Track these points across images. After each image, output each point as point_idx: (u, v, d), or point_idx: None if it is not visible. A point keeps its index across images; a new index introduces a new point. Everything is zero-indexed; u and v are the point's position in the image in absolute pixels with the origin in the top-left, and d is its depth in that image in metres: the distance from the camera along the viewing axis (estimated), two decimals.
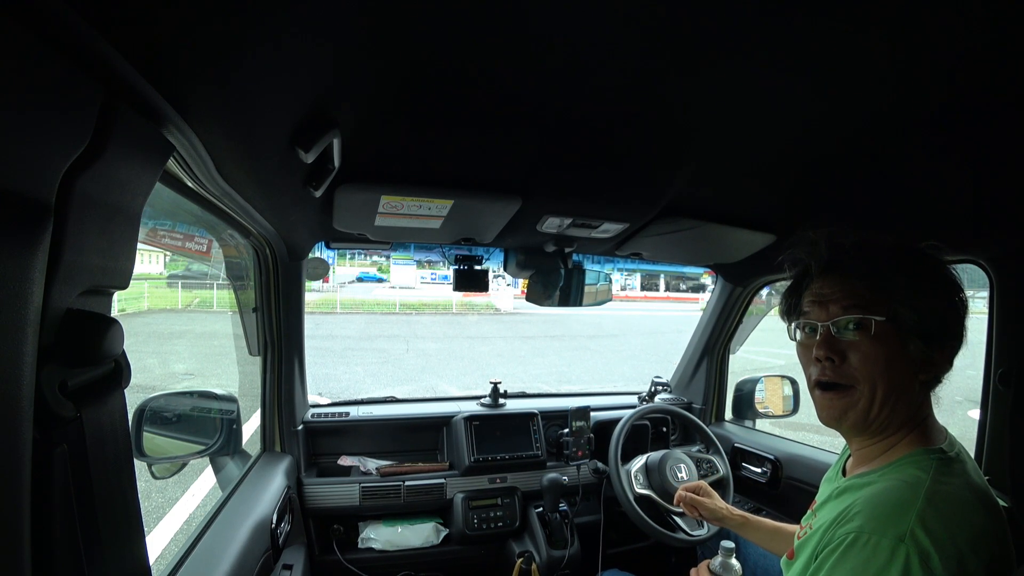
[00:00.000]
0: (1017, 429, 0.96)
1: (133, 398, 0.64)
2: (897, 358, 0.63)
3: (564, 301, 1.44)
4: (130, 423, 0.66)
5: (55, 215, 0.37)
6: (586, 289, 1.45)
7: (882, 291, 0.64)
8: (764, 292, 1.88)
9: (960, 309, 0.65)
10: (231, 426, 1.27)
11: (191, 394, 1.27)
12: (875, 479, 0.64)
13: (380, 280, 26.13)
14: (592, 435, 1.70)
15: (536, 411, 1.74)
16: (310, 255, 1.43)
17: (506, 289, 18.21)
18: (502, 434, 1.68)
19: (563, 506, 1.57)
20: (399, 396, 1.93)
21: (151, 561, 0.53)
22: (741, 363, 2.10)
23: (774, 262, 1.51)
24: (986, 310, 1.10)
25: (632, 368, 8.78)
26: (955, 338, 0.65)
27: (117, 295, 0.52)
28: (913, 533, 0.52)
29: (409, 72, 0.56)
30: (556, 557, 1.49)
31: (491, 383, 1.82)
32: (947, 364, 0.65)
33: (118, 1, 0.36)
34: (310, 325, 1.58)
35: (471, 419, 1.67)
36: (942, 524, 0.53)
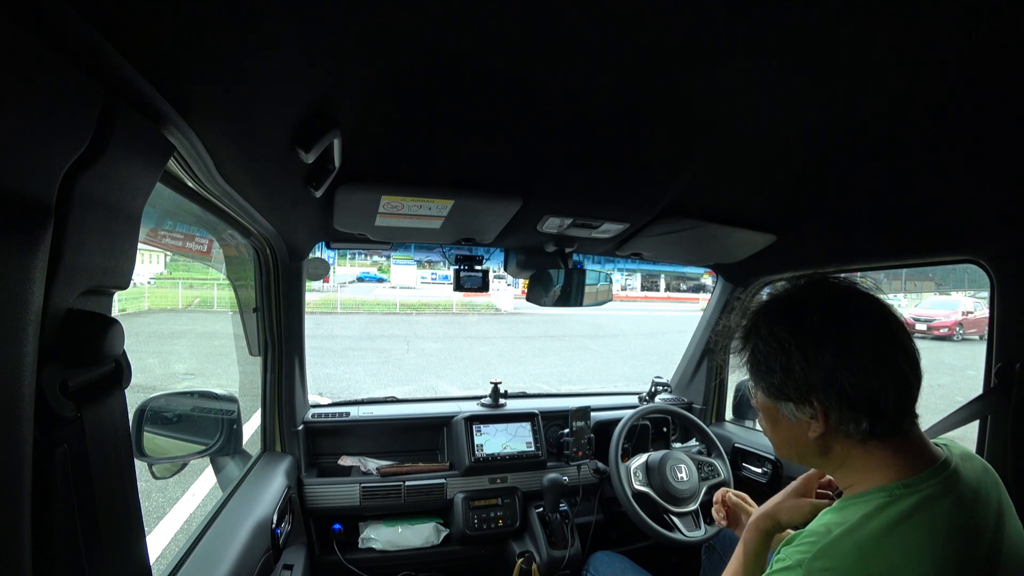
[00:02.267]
0: (1018, 427, 0.96)
1: (133, 398, 0.64)
2: (779, 421, 0.67)
3: (564, 301, 1.44)
4: (130, 423, 0.66)
5: (56, 215, 0.37)
6: (586, 289, 1.45)
7: (751, 363, 0.68)
8: (764, 292, 1.88)
9: (793, 371, 0.61)
10: (231, 426, 1.27)
11: (191, 394, 1.27)
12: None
13: (380, 280, 26.13)
14: (592, 435, 1.70)
15: (536, 411, 1.74)
16: (310, 255, 1.43)
17: (506, 289, 18.21)
18: (502, 434, 1.68)
19: (563, 506, 1.57)
20: (399, 396, 1.93)
21: (151, 561, 0.53)
22: None
23: (774, 262, 1.52)
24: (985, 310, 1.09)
25: (632, 368, 8.78)
26: (804, 400, 0.61)
27: (117, 295, 0.52)
28: (811, 562, 0.55)
29: (409, 72, 0.56)
30: (556, 557, 1.49)
31: (491, 383, 1.82)
32: (832, 418, 0.61)
33: (119, 2, 0.36)
34: (310, 325, 1.58)
35: (471, 419, 1.67)
36: (840, 561, 0.55)
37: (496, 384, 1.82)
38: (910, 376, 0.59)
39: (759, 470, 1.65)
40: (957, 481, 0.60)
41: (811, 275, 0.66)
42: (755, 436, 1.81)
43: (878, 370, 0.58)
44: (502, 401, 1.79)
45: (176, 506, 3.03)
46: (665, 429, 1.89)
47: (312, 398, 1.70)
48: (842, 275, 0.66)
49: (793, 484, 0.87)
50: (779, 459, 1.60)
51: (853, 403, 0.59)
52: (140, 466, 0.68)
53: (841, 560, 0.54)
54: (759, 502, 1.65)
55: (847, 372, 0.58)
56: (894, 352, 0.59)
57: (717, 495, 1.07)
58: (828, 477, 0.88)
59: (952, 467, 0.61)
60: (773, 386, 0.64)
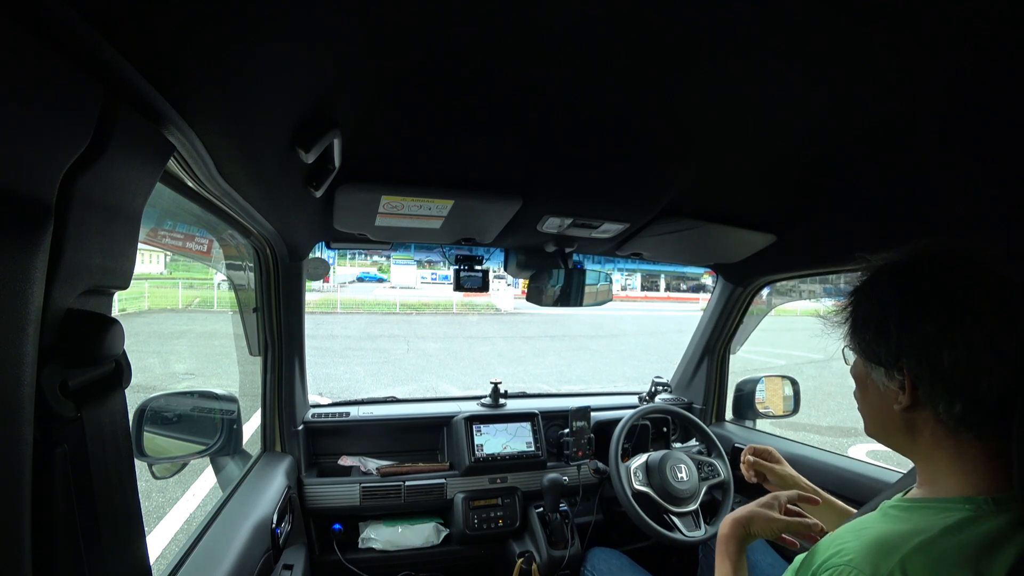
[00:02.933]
0: (1020, 427, 0.96)
1: (134, 398, 0.64)
2: (868, 388, 0.63)
3: (564, 301, 1.44)
4: (131, 423, 0.66)
5: (55, 215, 0.37)
6: (586, 289, 1.45)
7: (851, 319, 0.64)
8: (764, 292, 1.88)
9: (888, 332, 0.57)
10: (231, 426, 1.27)
11: (191, 394, 1.27)
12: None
13: (380, 280, 26.14)
14: (592, 435, 1.70)
15: (536, 411, 1.74)
16: (310, 255, 1.43)
17: (506, 289, 18.21)
18: (502, 434, 1.68)
19: (563, 506, 1.57)
20: (400, 396, 1.93)
21: (151, 561, 0.53)
22: (741, 363, 2.10)
23: (774, 262, 1.52)
24: None
25: (632, 368, 8.78)
26: (894, 365, 0.57)
27: (117, 295, 0.52)
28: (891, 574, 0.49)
29: (409, 72, 0.56)
30: (556, 557, 1.49)
31: (491, 383, 1.82)
32: (920, 392, 0.56)
33: (119, 2, 0.36)
34: (311, 325, 1.58)
35: (472, 419, 1.67)
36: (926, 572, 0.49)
37: (496, 384, 1.82)
38: None
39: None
40: None
41: (934, 243, 0.59)
42: (755, 436, 1.81)
43: (985, 351, 0.52)
44: (502, 401, 1.79)
45: (176, 506, 3.03)
46: (665, 429, 1.89)
47: (312, 398, 1.70)
48: (971, 248, 0.58)
49: (764, 498, 0.86)
50: None
51: (948, 380, 0.53)
52: (140, 466, 0.68)
53: (913, 570, 0.49)
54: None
55: (948, 345, 0.53)
56: (1009, 337, 0.52)
57: (743, 457, 1.06)
58: (800, 493, 0.87)
59: None
60: (865, 345, 0.61)
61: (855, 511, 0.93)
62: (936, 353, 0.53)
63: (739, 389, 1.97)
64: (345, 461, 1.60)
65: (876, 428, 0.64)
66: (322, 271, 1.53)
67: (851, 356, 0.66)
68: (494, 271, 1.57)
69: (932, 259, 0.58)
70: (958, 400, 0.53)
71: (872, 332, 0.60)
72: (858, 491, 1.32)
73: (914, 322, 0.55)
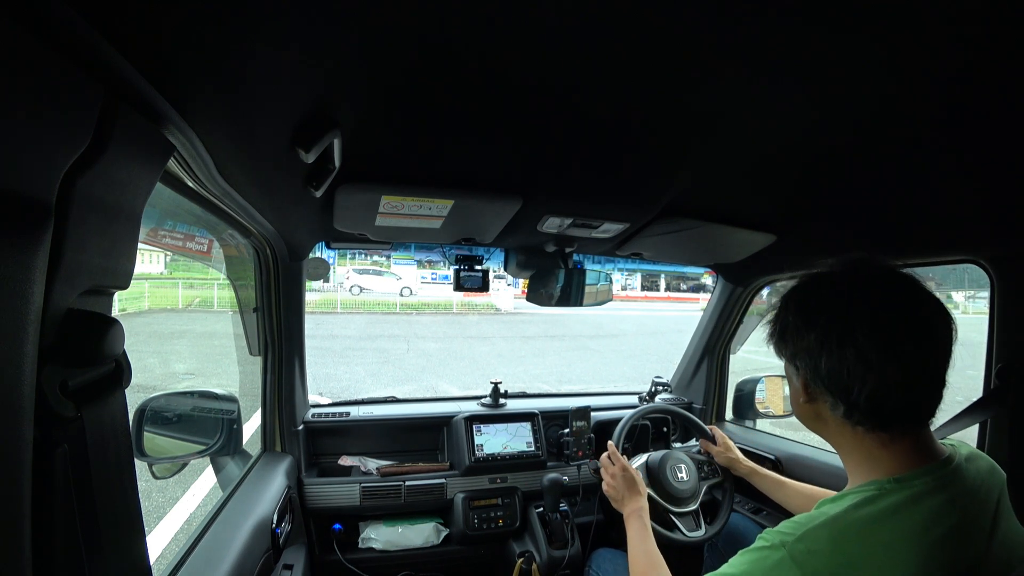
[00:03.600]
0: (1017, 428, 0.96)
1: (134, 398, 0.64)
2: (789, 378, 0.71)
3: (564, 301, 1.44)
4: (131, 423, 0.66)
5: (56, 215, 0.37)
6: (586, 289, 1.45)
7: (769, 327, 0.73)
8: (764, 292, 1.88)
9: (785, 336, 0.67)
10: (231, 426, 1.27)
11: (191, 394, 1.27)
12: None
13: None
14: (592, 435, 1.69)
15: (536, 411, 1.74)
16: (310, 255, 1.43)
17: (506, 289, 18.21)
18: (502, 434, 1.68)
19: (563, 506, 1.57)
20: (400, 396, 1.93)
21: (151, 561, 0.53)
22: (741, 363, 2.10)
23: (774, 262, 1.52)
24: (985, 310, 1.09)
25: (632, 368, 8.78)
26: (792, 364, 0.67)
27: (117, 295, 0.52)
28: (793, 544, 0.57)
29: (409, 72, 0.56)
30: (556, 557, 1.49)
31: (491, 383, 1.82)
32: (811, 390, 0.65)
33: (119, 2, 0.36)
34: (311, 325, 1.58)
35: (472, 419, 1.67)
36: (825, 543, 0.56)
37: (496, 384, 1.82)
38: (906, 379, 0.58)
39: (758, 466, 1.65)
40: (954, 480, 0.60)
41: (855, 256, 0.66)
42: (755, 436, 1.81)
43: (856, 363, 0.58)
44: (502, 401, 1.79)
45: (176, 506, 3.03)
46: (665, 429, 1.89)
47: (312, 398, 1.70)
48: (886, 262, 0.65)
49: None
50: (779, 458, 1.60)
51: (826, 383, 0.62)
52: (140, 466, 0.68)
53: (820, 544, 0.56)
54: (759, 501, 1.65)
55: (825, 354, 0.61)
56: (884, 354, 0.58)
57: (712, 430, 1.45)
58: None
59: (953, 466, 0.61)
60: (775, 346, 0.70)
61: (790, 481, 1.23)
62: (816, 360, 0.62)
63: (739, 389, 1.97)
64: (345, 461, 1.60)
65: (797, 415, 0.74)
66: (322, 271, 1.52)
67: None
68: (494, 271, 1.57)
69: (839, 271, 0.66)
70: (839, 401, 0.62)
71: (777, 335, 0.70)
72: None
73: (802, 332, 0.64)
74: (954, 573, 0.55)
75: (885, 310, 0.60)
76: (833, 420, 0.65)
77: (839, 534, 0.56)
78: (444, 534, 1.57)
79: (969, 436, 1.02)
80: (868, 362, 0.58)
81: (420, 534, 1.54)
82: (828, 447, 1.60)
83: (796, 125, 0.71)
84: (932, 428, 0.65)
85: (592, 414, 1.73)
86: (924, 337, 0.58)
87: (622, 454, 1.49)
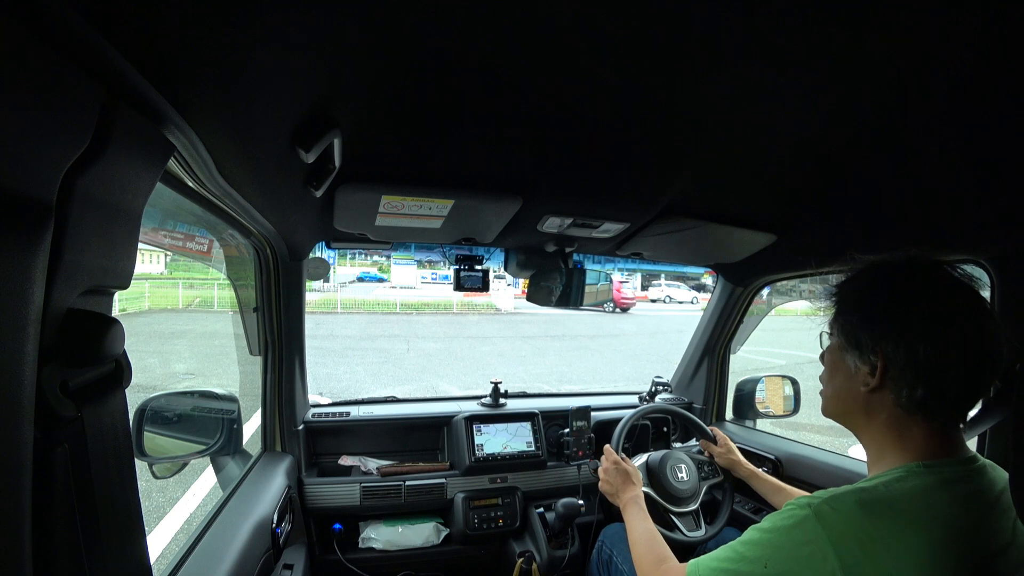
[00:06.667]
0: (1018, 428, 0.96)
1: (134, 398, 0.64)
2: (839, 369, 0.70)
3: (564, 301, 1.44)
4: (131, 423, 0.66)
5: (56, 215, 0.37)
6: (586, 289, 1.45)
7: (837, 307, 0.71)
8: (764, 292, 1.88)
9: (873, 320, 0.65)
10: (232, 426, 1.27)
11: (192, 394, 1.27)
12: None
13: (381, 280, 26.13)
14: (593, 435, 1.69)
15: (537, 411, 1.74)
16: (311, 255, 1.43)
17: (507, 289, 18.21)
18: (503, 434, 1.68)
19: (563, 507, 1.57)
20: (400, 396, 1.93)
21: (152, 560, 0.53)
22: (742, 363, 2.10)
23: (774, 262, 1.52)
24: None
25: (633, 368, 8.78)
26: (871, 349, 0.64)
27: (118, 295, 0.52)
28: (820, 504, 0.59)
29: (409, 72, 0.56)
30: (556, 557, 1.49)
31: (492, 383, 1.82)
32: (889, 376, 0.63)
33: (119, 2, 0.36)
34: (311, 325, 1.58)
35: (472, 419, 1.67)
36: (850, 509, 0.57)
37: (496, 384, 1.82)
38: (985, 373, 0.60)
39: (759, 469, 1.65)
40: (982, 475, 0.62)
41: (920, 253, 0.66)
42: (755, 436, 1.80)
43: (958, 349, 0.59)
44: (502, 401, 1.79)
45: (176, 506, 3.03)
46: (665, 429, 1.89)
47: (312, 398, 1.70)
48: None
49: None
50: (779, 459, 1.60)
51: (919, 369, 0.60)
52: (140, 466, 0.68)
53: (845, 507, 0.57)
54: (759, 501, 1.65)
55: (927, 339, 0.60)
56: (982, 344, 0.59)
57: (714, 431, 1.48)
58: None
59: (979, 464, 0.63)
60: (849, 328, 0.67)
61: (790, 487, 1.24)
62: (914, 344, 0.60)
63: (739, 389, 1.97)
64: (345, 461, 1.60)
65: (836, 407, 0.72)
66: (322, 271, 1.52)
67: (827, 341, 0.75)
68: (494, 271, 1.57)
69: (919, 264, 0.65)
70: (921, 386, 0.61)
71: (859, 317, 0.66)
72: None
73: (901, 314, 0.62)
74: (972, 562, 0.55)
75: (979, 305, 0.61)
76: (891, 411, 0.64)
77: (866, 503, 0.57)
78: (444, 534, 1.57)
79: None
80: (970, 350, 0.59)
81: (420, 534, 1.54)
82: (828, 447, 1.61)
83: (796, 125, 0.71)
84: None
85: (592, 414, 1.73)
86: (999, 332, 0.61)
87: (622, 454, 1.49)
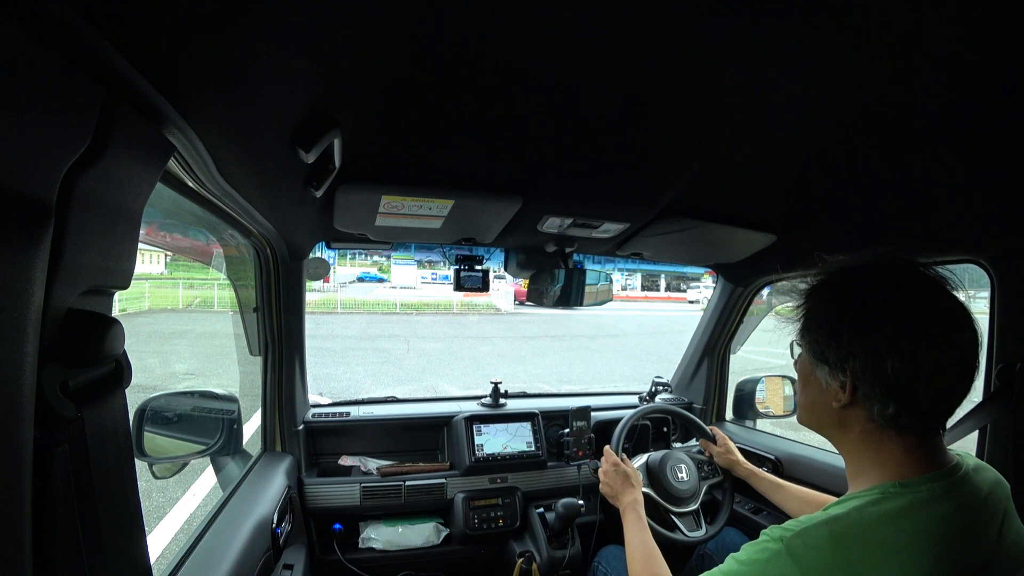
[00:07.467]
0: (1019, 430, 0.96)
1: (134, 398, 0.64)
2: (811, 382, 0.68)
3: (564, 301, 1.44)
4: (131, 423, 0.66)
5: (56, 215, 0.37)
6: (586, 289, 1.45)
7: (804, 317, 0.68)
8: (765, 292, 1.88)
9: (839, 336, 0.61)
10: (232, 426, 1.27)
11: (192, 394, 1.27)
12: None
13: (381, 280, 26.13)
14: (593, 435, 1.69)
15: (537, 411, 1.74)
16: (311, 255, 1.43)
17: (507, 289, 18.21)
18: (503, 434, 1.68)
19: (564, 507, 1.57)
20: (400, 396, 1.93)
21: (152, 561, 0.53)
22: (742, 363, 2.10)
23: (774, 262, 1.52)
24: (986, 310, 1.09)
25: (633, 368, 8.78)
26: (839, 367, 0.61)
27: (118, 295, 0.52)
28: (792, 539, 0.57)
29: (409, 72, 0.56)
30: (556, 557, 1.49)
31: (492, 383, 1.82)
32: (860, 394, 0.60)
33: (119, 2, 0.36)
34: (311, 325, 1.58)
35: (472, 419, 1.67)
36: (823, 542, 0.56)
37: (496, 384, 1.82)
38: (958, 383, 0.58)
39: (759, 469, 1.65)
40: (961, 488, 0.59)
41: (890, 253, 0.63)
42: (755, 436, 1.81)
43: (928, 362, 0.56)
44: (502, 401, 1.79)
45: (176, 506, 3.03)
46: (665, 429, 1.89)
47: (312, 398, 1.70)
48: (924, 264, 0.62)
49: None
50: (779, 459, 1.60)
51: (888, 385, 0.58)
52: (140, 466, 0.69)
53: (818, 541, 0.56)
54: (759, 501, 1.65)
55: (895, 354, 0.57)
56: (953, 354, 0.56)
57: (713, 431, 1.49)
58: None
59: (960, 474, 0.60)
60: (816, 344, 0.65)
61: (790, 484, 1.23)
62: (881, 360, 0.57)
63: (739, 389, 1.97)
64: (345, 461, 1.60)
65: (811, 419, 0.71)
66: (322, 271, 1.52)
67: (798, 350, 0.72)
68: (494, 271, 1.57)
69: (887, 268, 0.62)
70: (893, 403, 0.58)
71: (825, 334, 0.63)
72: None
73: (866, 329, 0.59)
74: None
75: (951, 308, 0.58)
76: (864, 426, 0.62)
77: (838, 534, 0.56)
78: (444, 534, 1.57)
79: (969, 437, 1.02)
80: (941, 362, 0.56)
81: (420, 534, 1.54)
82: (828, 448, 1.61)
83: (796, 125, 0.71)
84: None
85: (592, 414, 1.73)
86: (973, 336, 0.58)
87: (622, 455, 1.49)
